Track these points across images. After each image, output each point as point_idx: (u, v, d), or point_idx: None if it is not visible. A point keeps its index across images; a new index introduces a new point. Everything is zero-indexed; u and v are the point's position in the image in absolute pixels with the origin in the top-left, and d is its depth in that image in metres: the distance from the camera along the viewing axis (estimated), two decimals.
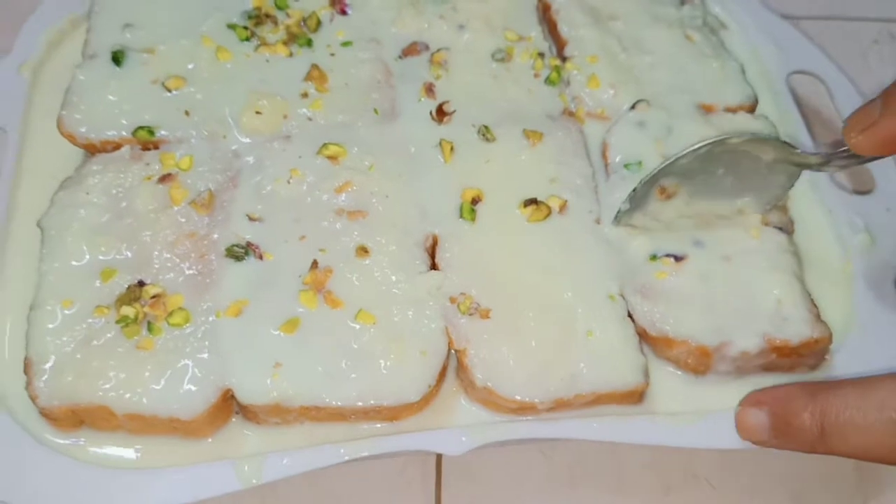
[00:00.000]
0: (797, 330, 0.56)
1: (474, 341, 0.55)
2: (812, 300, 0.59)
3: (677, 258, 0.59)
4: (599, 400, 0.55)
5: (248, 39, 0.68)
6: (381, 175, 0.62)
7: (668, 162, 0.58)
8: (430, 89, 0.67)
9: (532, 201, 0.60)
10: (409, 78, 0.68)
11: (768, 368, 0.58)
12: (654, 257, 0.59)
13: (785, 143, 0.58)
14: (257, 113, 0.64)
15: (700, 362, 0.57)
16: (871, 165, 0.67)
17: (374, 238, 0.59)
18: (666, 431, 0.55)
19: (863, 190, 0.67)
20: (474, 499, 0.58)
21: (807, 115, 0.72)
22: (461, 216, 0.60)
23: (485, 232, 0.60)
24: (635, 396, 0.56)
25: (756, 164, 0.59)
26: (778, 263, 0.59)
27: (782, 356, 0.56)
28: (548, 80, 0.68)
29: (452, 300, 0.57)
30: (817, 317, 0.57)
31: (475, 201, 0.61)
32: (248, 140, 0.64)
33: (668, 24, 0.72)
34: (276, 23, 0.70)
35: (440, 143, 0.63)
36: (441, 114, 0.65)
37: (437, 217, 0.61)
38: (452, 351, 0.56)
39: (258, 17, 0.70)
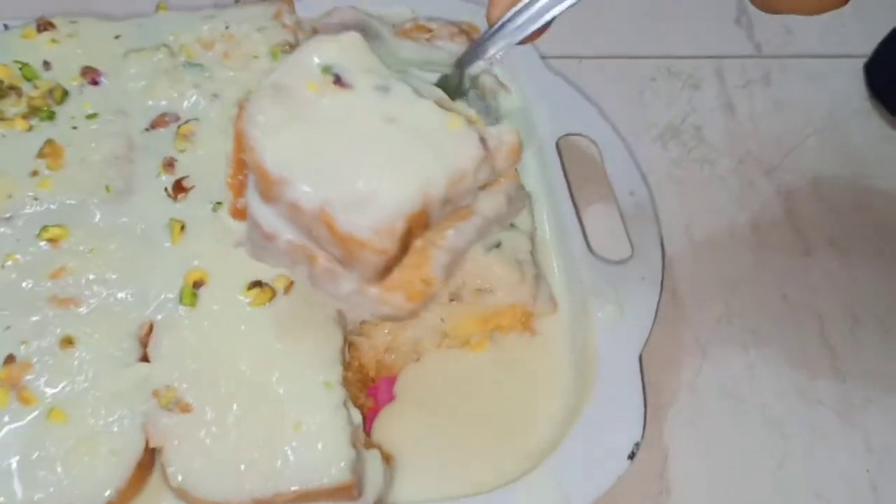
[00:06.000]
0: None
1: (171, 438, 0.52)
2: None
3: None
4: (307, 497, 0.52)
5: None
6: (102, 259, 0.59)
7: None
8: (170, 164, 0.64)
9: (257, 283, 0.58)
10: (151, 152, 0.65)
11: None
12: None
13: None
14: None
15: None
16: (631, 231, 0.66)
17: (81, 328, 0.56)
18: None
19: (623, 258, 0.65)
20: None
21: (579, 178, 0.71)
22: (181, 301, 0.57)
23: (203, 318, 0.56)
24: (348, 491, 0.53)
25: None
26: None
27: None
28: None
29: (155, 394, 0.53)
30: None
31: (197, 284, 0.58)
32: None
33: None
34: (20, 95, 0.67)
35: (170, 223, 0.60)
36: (178, 190, 0.62)
37: (157, 303, 0.57)
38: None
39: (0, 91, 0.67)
